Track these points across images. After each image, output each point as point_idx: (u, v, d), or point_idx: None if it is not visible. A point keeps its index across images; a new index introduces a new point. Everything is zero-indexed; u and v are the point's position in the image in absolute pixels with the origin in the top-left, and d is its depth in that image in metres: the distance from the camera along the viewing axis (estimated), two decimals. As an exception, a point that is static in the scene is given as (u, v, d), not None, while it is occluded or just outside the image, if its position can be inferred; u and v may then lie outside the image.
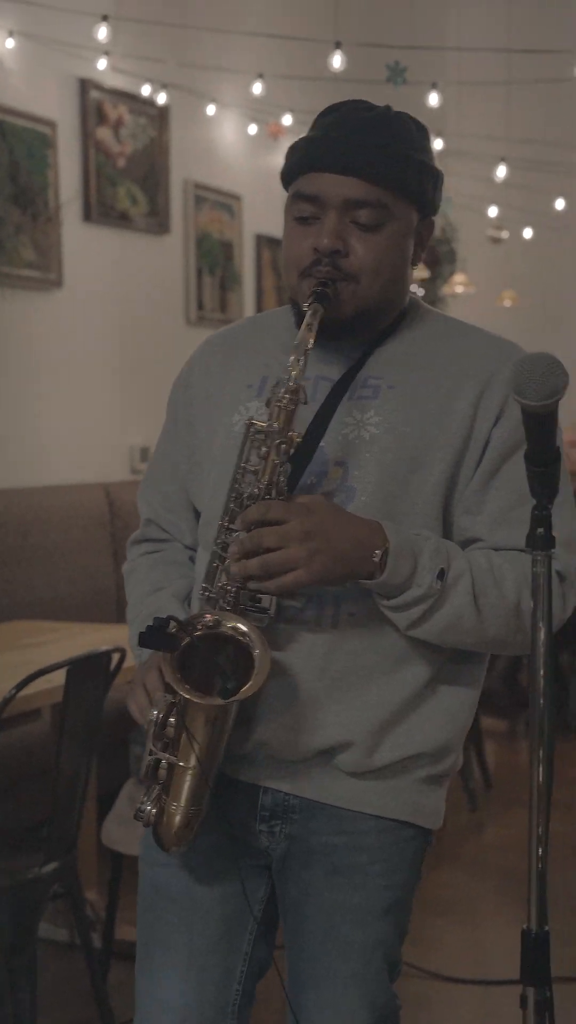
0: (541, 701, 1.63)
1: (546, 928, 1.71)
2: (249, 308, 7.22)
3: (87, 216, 5.92)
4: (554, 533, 1.74)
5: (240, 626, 1.82)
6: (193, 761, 1.84)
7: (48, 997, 3.53)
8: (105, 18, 5.38)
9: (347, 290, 1.89)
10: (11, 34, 5.34)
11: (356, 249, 1.88)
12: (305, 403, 1.84)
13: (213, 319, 6.81)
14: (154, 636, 1.79)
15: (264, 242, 7.29)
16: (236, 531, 1.83)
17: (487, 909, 4.46)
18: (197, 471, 2.06)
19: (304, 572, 1.78)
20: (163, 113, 6.33)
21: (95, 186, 5.96)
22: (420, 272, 7.32)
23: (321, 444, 1.91)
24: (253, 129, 6.92)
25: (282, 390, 1.82)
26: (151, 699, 1.88)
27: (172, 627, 1.78)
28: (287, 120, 6.78)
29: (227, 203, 6.95)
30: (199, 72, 6.29)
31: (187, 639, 1.80)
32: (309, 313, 1.84)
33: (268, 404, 1.84)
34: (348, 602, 1.90)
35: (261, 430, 1.84)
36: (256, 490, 1.83)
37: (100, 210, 5.99)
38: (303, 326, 1.83)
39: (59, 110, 5.71)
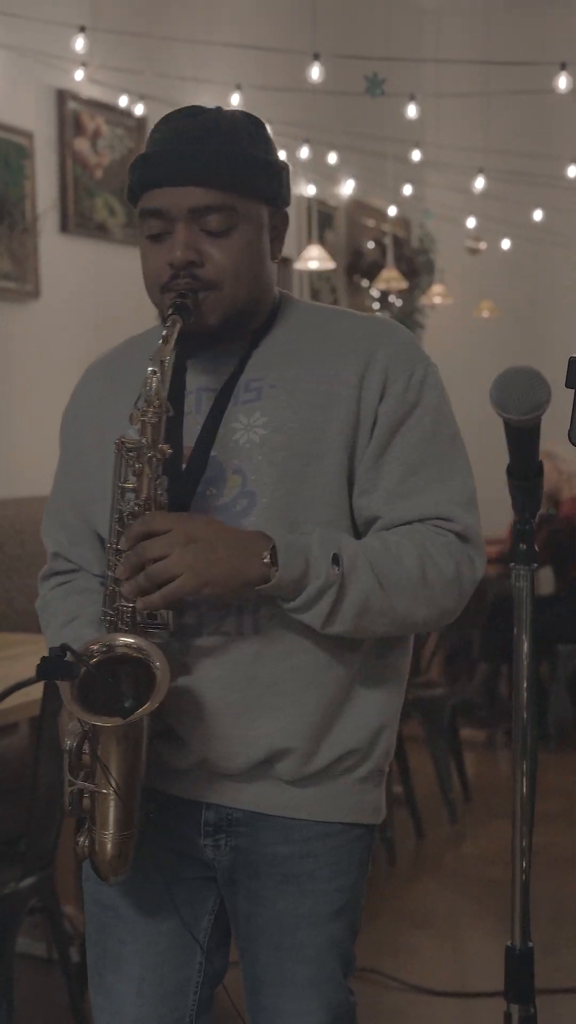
0: (524, 714, 1.63)
1: (530, 944, 1.70)
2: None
3: (64, 227, 5.91)
4: (448, 497, 1.89)
5: (135, 643, 1.81)
6: (112, 786, 1.82)
7: (25, 1011, 3.50)
8: (82, 29, 5.38)
9: (209, 299, 1.89)
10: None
11: (211, 256, 1.88)
12: (170, 414, 1.83)
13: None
14: (50, 666, 1.75)
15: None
16: (124, 551, 1.82)
17: (467, 921, 4.46)
18: (94, 500, 2.02)
19: (189, 577, 1.77)
20: (140, 124, 6.32)
21: (72, 197, 5.94)
22: (398, 283, 7.32)
23: (213, 454, 1.91)
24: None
25: (144, 405, 1.81)
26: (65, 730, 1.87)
27: (68, 656, 1.76)
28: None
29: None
30: (176, 83, 6.28)
31: (83, 667, 1.78)
32: (167, 325, 1.84)
33: (131, 420, 1.83)
34: (266, 605, 1.88)
35: (132, 447, 1.83)
36: (136, 507, 1.83)
37: (77, 221, 5.97)
38: (161, 339, 1.83)
39: (36, 121, 5.69)
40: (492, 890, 4.57)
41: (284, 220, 1.98)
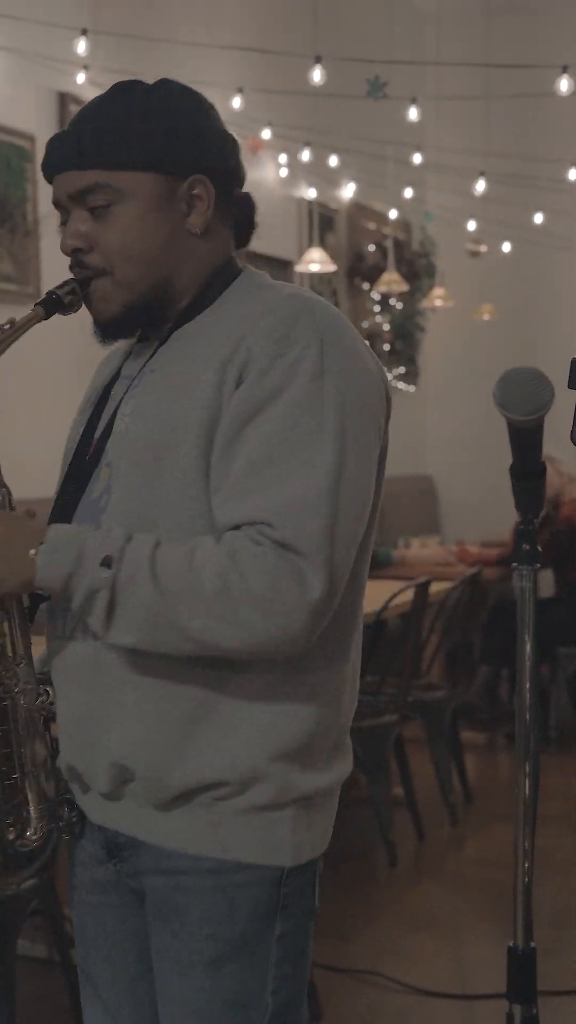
0: (528, 715, 1.63)
1: (532, 945, 1.70)
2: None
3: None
4: (281, 499, 1.62)
5: None
6: None
7: (27, 1013, 3.50)
8: (84, 32, 5.37)
9: (103, 286, 1.77)
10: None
11: (99, 240, 1.76)
12: None
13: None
14: None
15: (249, 258, 7.26)
16: None
17: (468, 923, 4.45)
18: None
19: None
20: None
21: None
22: (399, 285, 7.32)
23: (107, 445, 1.81)
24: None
25: None
26: None
27: None
28: (266, 134, 6.78)
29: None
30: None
31: None
32: (26, 319, 1.78)
33: None
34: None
35: None
36: None
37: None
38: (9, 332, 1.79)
39: (37, 123, 5.69)
40: (493, 892, 4.57)
41: (202, 184, 1.77)
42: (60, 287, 1.79)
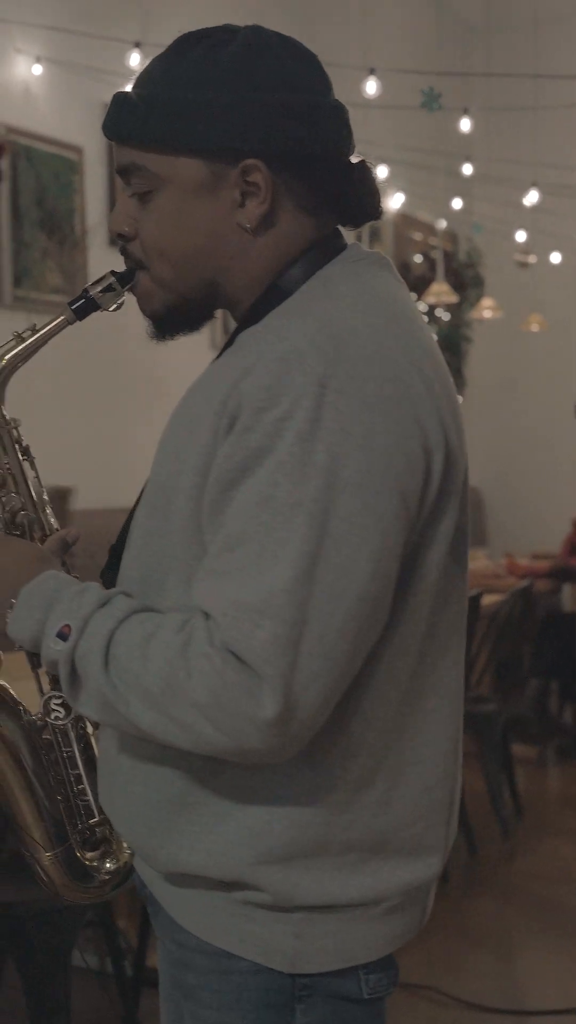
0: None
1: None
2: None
3: (113, 241, 5.89)
4: (240, 594, 1.31)
5: None
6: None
7: (79, 1026, 3.48)
8: (137, 45, 5.37)
9: (145, 281, 1.54)
10: (38, 60, 5.35)
11: (140, 228, 1.52)
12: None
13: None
14: None
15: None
16: None
17: (521, 938, 4.40)
18: None
19: None
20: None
21: (122, 211, 5.95)
22: (448, 296, 7.28)
23: None
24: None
25: None
26: None
27: None
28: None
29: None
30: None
31: None
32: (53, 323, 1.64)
33: None
34: None
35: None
36: None
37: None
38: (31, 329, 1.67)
39: (85, 136, 5.71)
40: (546, 907, 4.52)
41: (258, 170, 1.46)
42: (95, 284, 1.59)
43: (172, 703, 1.35)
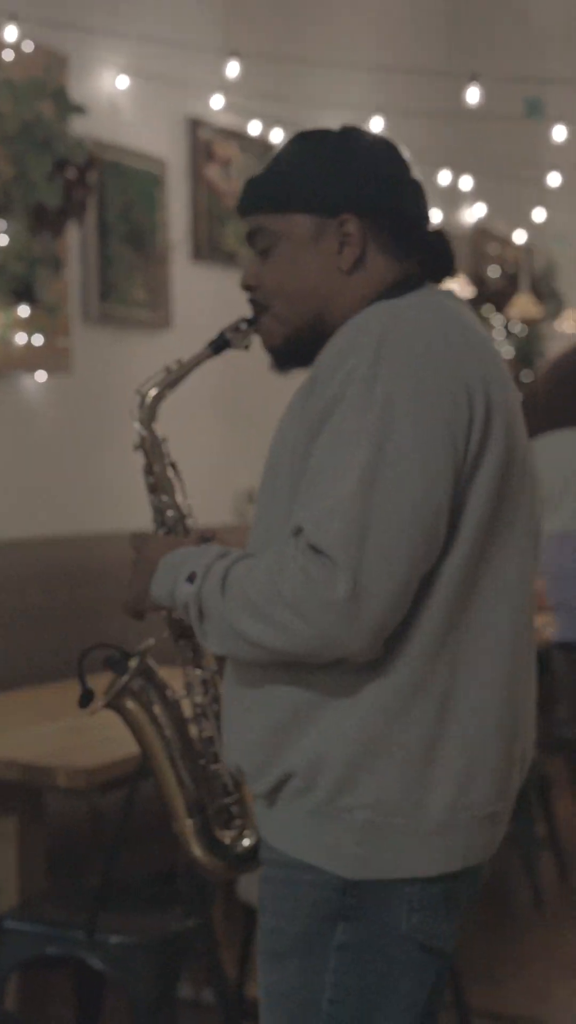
0: None
1: None
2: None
3: (197, 255, 5.85)
4: (312, 504, 1.70)
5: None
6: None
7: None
8: (226, 55, 5.31)
9: (267, 321, 1.94)
10: (124, 71, 5.29)
11: (262, 279, 1.93)
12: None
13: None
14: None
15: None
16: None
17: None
18: None
19: (127, 594, 1.94)
20: (269, 150, 6.26)
21: (205, 225, 5.89)
22: (533, 310, 7.17)
23: None
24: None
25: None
26: None
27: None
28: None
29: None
30: (310, 108, 6.21)
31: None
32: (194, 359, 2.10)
33: None
34: None
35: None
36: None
37: (209, 249, 5.92)
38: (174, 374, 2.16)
39: (168, 148, 5.65)
40: None
41: (353, 223, 1.88)
42: (230, 327, 2.01)
43: (273, 608, 1.68)
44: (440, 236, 1.96)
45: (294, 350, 1.93)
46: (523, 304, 7.04)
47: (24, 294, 4.62)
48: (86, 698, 2.15)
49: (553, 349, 8.68)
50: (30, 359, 4.67)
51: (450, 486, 1.72)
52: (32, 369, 4.74)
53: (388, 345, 1.71)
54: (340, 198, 1.87)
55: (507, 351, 8.39)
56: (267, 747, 1.80)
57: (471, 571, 1.77)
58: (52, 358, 4.80)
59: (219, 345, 2.03)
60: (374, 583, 1.66)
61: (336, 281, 1.89)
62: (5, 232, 4.49)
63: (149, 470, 2.21)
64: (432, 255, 1.95)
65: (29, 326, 4.64)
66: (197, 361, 2.08)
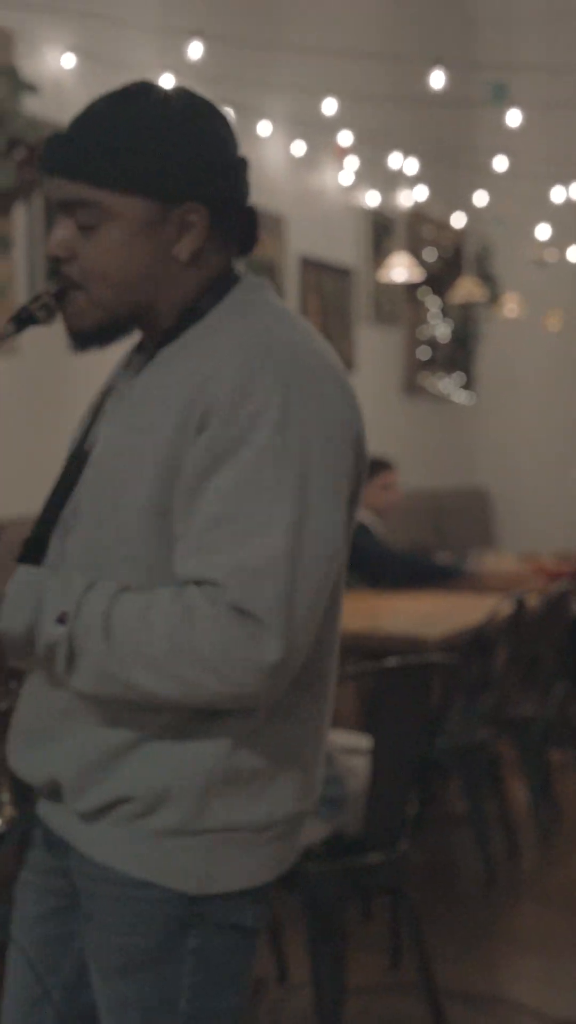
0: None
1: None
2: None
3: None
4: (237, 560, 1.61)
5: None
6: None
7: None
8: (194, 35, 5.27)
9: (79, 299, 1.75)
10: (69, 50, 5.24)
11: (81, 253, 1.73)
12: None
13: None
14: None
15: (310, 265, 7.20)
16: None
17: (566, 943, 4.35)
18: None
19: None
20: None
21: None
22: (477, 293, 7.19)
23: (86, 463, 1.82)
24: (299, 148, 6.83)
25: None
26: None
27: None
28: (346, 139, 6.68)
29: (271, 224, 6.85)
30: (250, 89, 6.19)
31: None
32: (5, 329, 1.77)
33: None
34: None
35: None
36: None
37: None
38: None
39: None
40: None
41: (199, 212, 1.73)
42: (33, 301, 1.76)
43: (177, 664, 1.63)
44: (254, 214, 1.84)
45: (104, 335, 1.77)
46: (466, 287, 7.07)
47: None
48: None
49: (491, 333, 8.75)
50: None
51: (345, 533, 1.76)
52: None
53: (295, 385, 1.67)
54: (186, 185, 1.72)
55: (444, 334, 8.45)
56: (101, 768, 1.75)
57: (333, 602, 1.80)
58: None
59: (23, 321, 1.77)
60: (300, 640, 1.66)
61: (169, 271, 1.75)
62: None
63: None
64: (248, 235, 1.85)
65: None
66: (1, 339, 1.79)
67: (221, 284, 1.79)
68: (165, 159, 1.71)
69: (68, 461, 1.85)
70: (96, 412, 1.87)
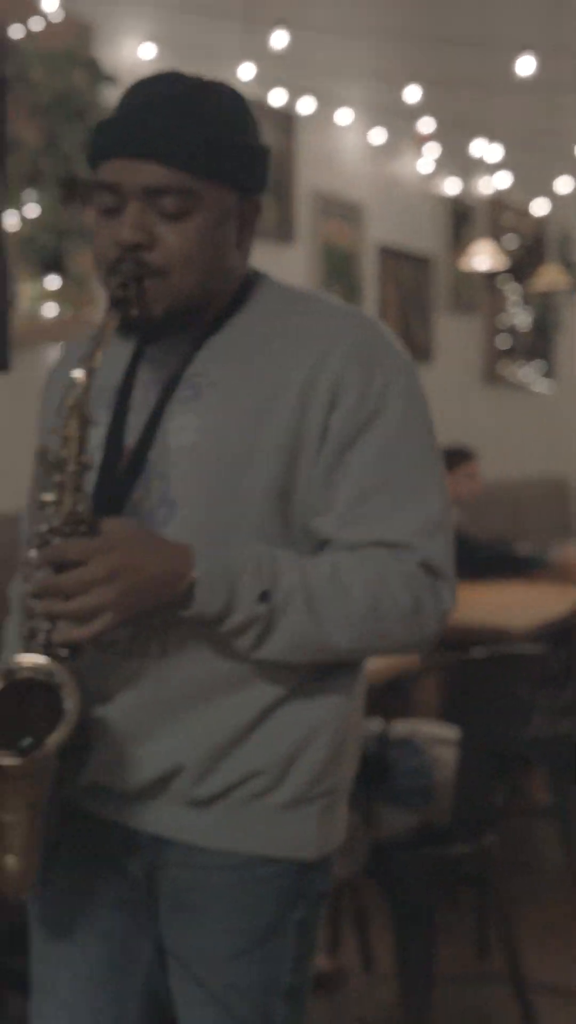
0: None
1: None
2: (372, 320, 7.08)
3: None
4: (409, 523, 1.75)
5: (44, 668, 1.67)
6: (12, 813, 1.69)
7: None
8: (278, 24, 5.26)
9: (155, 287, 1.74)
10: (149, 40, 5.24)
11: (163, 240, 1.72)
12: (95, 424, 1.73)
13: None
14: None
15: (388, 254, 7.16)
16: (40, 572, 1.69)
17: None
18: None
19: (114, 615, 1.65)
20: (291, 121, 6.22)
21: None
22: (561, 280, 7.10)
23: (149, 455, 1.78)
24: (379, 136, 6.80)
25: (67, 413, 1.69)
26: None
27: None
28: (427, 126, 6.64)
29: (349, 213, 6.83)
30: (330, 76, 6.16)
31: None
32: (103, 322, 1.73)
33: (52, 431, 1.71)
34: (175, 630, 1.75)
35: (53, 459, 1.70)
36: (56, 524, 1.68)
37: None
38: (94, 338, 1.71)
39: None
40: None
41: (255, 207, 1.81)
42: (121, 286, 1.73)
43: (376, 621, 1.73)
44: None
45: (171, 322, 1.78)
46: (549, 275, 7.00)
47: (53, 266, 4.59)
48: (24, 749, 1.69)
49: (572, 321, 8.67)
50: (58, 331, 4.64)
51: None
52: (60, 341, 4.71)
53: (408, 361, 1.83)
54: (258, 180, 1.80)
55: (524, 322, 8.38)
56: (232, 745, 1.78)
57: None
58: (80, 330, 4.76)
59: (123, 308, 1.75)
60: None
61: (232, 260, 1.80)
62: (36, 203, 4.45)
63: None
64: None
65: (58, 298, 4.61)
66: (111, 326, 1.76)
67: (253, 274, 1.87)
68: (248, 153, 1.78)
69: (108, 456, 1.81)
70: (117, 409, 1.83)
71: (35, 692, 1.67)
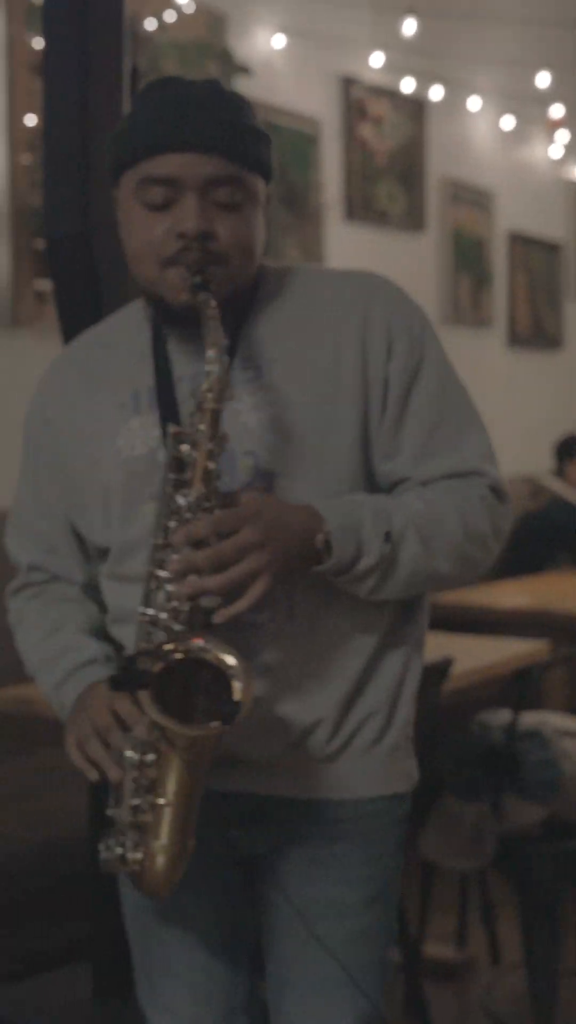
0: None
1: None
2: (501, 308, 7.04)
3: (349, 214, 5.83)
4: (474, 450, 1.87)
5: (211, 647, 1.69)
6: (174, 796, 1.73)
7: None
8: (408, 12, 5.25)
9: (218, 274, 1.80)
10: (280, 30, 5.26)
11: (221, 230, 1.79)
12: (231, 400, 1.77)
13: (468, 319, 6.66)
14: (129, 678, 1.67)
15: (518, 240, 7.11)
16: (172, 547, 1.72)
17: None
18: (82, 507, 1.94)
19: (268, 578, 1.69)
20: (421, 108, 6.21)
21: (358, 184, 5.86)
22: None
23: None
24: (509, 123, 6.75)
25: (207, 391, 1.72)
26: (108, 743, 1.77)
27: (142, 663, 1.67)
28: (558, 111, 6.58)
29: (478, 200, 6.79)
30: (472, 64, 6.13)
31: (161, 667, 1.67)
32: (208, 307, 1.75)
33: (198, 408, 1.73)
34: (299, 591, 1.82)
35: (187, 438, 1.73)
36: (192, 500, 1.72)
37: (361, 208, 5.89)
38: (209, 321, 1.74)
39: (322, 107, 5.62)
40: None
41: (269, 197, 1.90)
42: (197, 272, 1.78)
43: (470, 545, 1.85)
44: None
45: (224, 308, 1.80)
46: None
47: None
48: (230, 714, 1.68)
49: None
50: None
51: None
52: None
53: (422, 311, 1.96)
54: (273, 168, 1.90)
55: None
56: (357, 693, 1.89)
57: None
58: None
59: (202, 287, 1.79)
60: None
61: (262, 245, 1.90)
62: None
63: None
64: None
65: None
66: (215, 311, 1.77)
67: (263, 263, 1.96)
68: (268, 143, 1.87)
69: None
70: (162, 408, 1.87)
71: (188, 672, 1.70)
